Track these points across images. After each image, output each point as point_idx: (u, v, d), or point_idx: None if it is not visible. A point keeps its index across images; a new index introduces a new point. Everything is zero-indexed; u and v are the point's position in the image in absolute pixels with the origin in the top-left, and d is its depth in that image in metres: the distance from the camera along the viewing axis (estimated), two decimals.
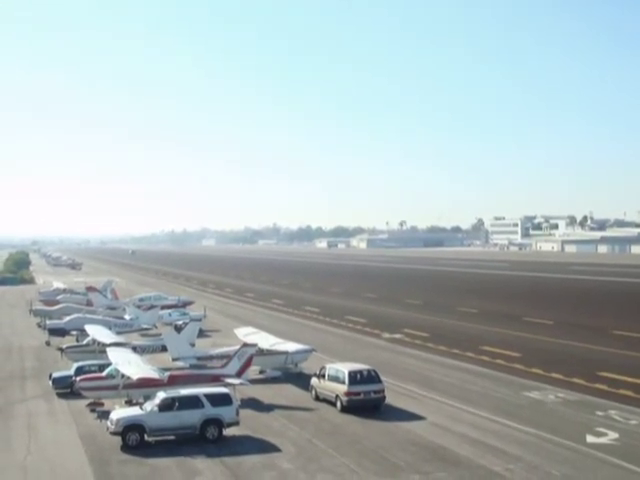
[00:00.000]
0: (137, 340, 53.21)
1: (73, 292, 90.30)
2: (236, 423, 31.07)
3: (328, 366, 37.69)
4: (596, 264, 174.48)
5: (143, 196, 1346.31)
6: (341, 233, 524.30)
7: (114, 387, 34.77)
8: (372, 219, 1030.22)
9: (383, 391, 35.80)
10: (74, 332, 56.30)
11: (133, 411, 30.96)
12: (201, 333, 56.63)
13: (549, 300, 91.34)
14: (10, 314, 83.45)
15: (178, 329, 57.99)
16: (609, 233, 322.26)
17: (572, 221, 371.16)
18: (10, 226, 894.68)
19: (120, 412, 31.03)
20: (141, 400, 33.61)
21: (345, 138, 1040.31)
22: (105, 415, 32.23)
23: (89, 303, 75.63)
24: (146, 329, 61.50)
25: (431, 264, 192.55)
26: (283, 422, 33.67)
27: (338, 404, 35.54)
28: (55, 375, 40.60)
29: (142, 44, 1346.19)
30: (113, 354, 38.72)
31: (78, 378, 36.74)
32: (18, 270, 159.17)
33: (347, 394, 35.01)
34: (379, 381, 36.03)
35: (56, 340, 56.69)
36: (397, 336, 60.74)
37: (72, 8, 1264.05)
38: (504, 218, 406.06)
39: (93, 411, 35.06)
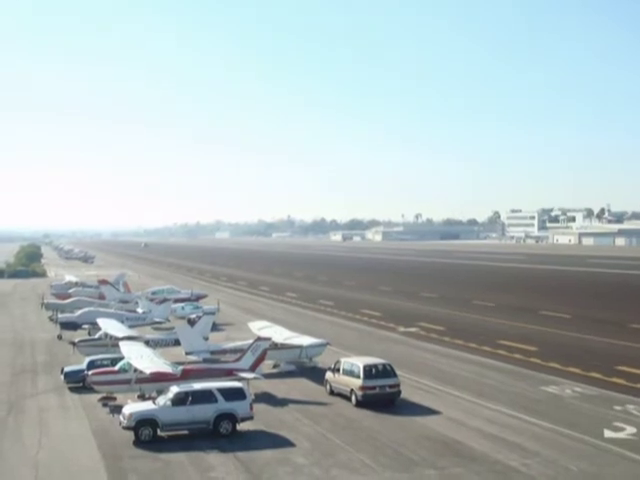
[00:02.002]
0: (150, 334, 53.11)
1: (85, 285, 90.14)
2: (250, 418, 30.79)
3: (343, 360, 37.32)
4: (613, 257, 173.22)
5: (156, 188, 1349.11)
6: (356, 226, 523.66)
7: (127, 381, 34.58)
8: (387, 212, 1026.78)
9: (398, 385, 35.41)
10: (86, 326, 56.21)
11: (146, 405, 30.75)
12: (214, 327, 56.39)
13: (566, 293, 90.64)
14: (22, 307, 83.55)
15: (191, 323, 57.78)
16: (626, 226, 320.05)
17: (589, 214, 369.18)
18: (22, 219, 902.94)
19: (133, 406, 30.83)
20: (154, 394, 33.35)
21: (360, 130, 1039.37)
22: (117, 410, 32.10)
23: (101, 296, 75.56)
24: (159, 323, 61.35)
25: (447, 257, 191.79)
26: (297, 417, 33.36)
27: (353, 398, 35.19)
28: (67, 369, 40.43)
29: (157, 37, 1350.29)
30: (126, 348, 38.50)
31: (90, 372, 36.54)
32: (30, 263, 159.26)
33: (362, 388, 34.63)
34: (394, 375, 35.63)
35: (68, 334, 56.64)
36: (412, 330, 60.31)
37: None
38: (521, 211, 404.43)
39: (105, 406, 34.92)
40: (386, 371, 35.62)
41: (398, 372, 36.47)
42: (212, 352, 42.76)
